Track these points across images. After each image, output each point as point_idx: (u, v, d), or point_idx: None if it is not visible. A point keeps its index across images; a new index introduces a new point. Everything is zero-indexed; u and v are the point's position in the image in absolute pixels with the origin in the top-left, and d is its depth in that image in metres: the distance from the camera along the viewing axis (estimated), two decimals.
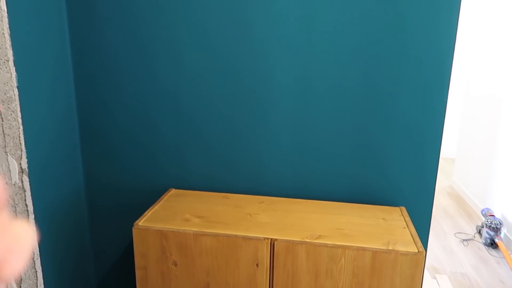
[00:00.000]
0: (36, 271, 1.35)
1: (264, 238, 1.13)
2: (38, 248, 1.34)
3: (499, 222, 2.92)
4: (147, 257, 1.21)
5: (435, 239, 3.19)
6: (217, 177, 1.47)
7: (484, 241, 3.01)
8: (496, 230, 2.91)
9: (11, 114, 1.21)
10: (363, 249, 1.09)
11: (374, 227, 1.21)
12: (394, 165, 1.35)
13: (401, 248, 1.08)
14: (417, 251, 1.07)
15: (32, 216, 1.30)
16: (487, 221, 2.97)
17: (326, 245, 1.11)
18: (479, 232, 3.16)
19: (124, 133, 1.49)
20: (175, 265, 1.20)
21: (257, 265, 1.15)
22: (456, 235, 3.21)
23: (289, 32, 1.30)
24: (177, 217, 1.25)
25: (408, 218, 1.27)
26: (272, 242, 1.13)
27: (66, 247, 1.49)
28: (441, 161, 5.38)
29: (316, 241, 1.11)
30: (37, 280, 1.36)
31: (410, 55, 1.25)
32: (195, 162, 1.47)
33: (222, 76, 1.37)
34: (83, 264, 1.62)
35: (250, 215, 1.28)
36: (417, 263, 1.07)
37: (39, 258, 1.34)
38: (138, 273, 1.23)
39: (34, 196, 1.31)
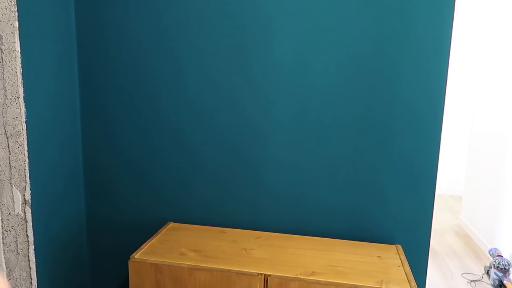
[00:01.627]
0: None
1: (258, 274, 1.14)
2: (36, 279, 1.36)
3: (507, 263, 2.85)
4: None
5: (442, 279, 3.11)
6: (215, 211, 1.50)
7: (492, 282, 2.93)
8: (505, 271, 2.84)
9: (18, 147, 1.27)
10: (356, 287, 1.09)
11: (368, 265, 1.21)
12: (390, 202, 1.37)
13: (394, 287, 1.08)
14: None
15: (32, 246, 1.33)
16: (495, 262, 2.90)
17: (319, 283, 1.11)
18: (487, 273, 3.09)
19: (126, 166, 1.54)
20: None
21: None
22: (463, 275, 3.13)
23: (288, 69, 1.35)
24: (173, 251, 1.27)
25: (403, 257, 1.27)
26: (266, 278, 1.14)
27: (64, 277, 1.51)
28: (449, 199, 5.31)
29: (310, 278, 1.12)
30: None
31: (404, 96, 1.30)
32: (194, 196, 1.50)
33: (224, 112, 1.42)
34: None
35: (246, 250, 1.29)
36: None
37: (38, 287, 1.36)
38: None
39: (36, 226, 1.34)
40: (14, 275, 1.34)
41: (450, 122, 5.25)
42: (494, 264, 2.89)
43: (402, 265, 1.22)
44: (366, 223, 1.39)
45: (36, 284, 1.36)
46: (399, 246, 1.35)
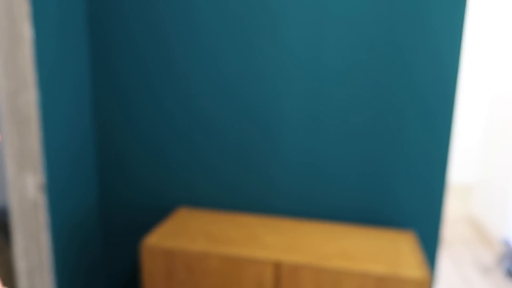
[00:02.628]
0: (49, 283, 1.38)
1: (269, 261, 1.14)
2: (50, 262, 1.38)
3: None
4: (154, 275, 1.23)
5: (453, 269, 3.09)
6: (227, 197, 1.50)
7: (504, 272, 2.90)
8: None
9: (31, 132, 1.28)
10: (368, 274, 1.08)
11: (380, 251, 1.20)
12: (402, 188, 1.35)
13: (406, 273, 1.07)
14: (422, 277, 1.06)
15: (46, 230, 1.35)
16: (508, 251, 2.87)
17: (330, 269, 1.10)
18: (500, 263, 3.06)
19: (140, 153, 1.54)
20: (181, 284, 1.21)
21: (260, 286, 1.16)
22: (475, 265, 3.11)
23: (298, 62, 1.34)
24: (185, 237, 1.27)
25: (415, 242, 1.26)
26: (277, 265, 1.14)
27: (78, 260, 1.53)
28: (460, 189, 5.26)
29: (320, 264, 1.11)
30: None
31: (416, 81, 1.27)
32: (206, 182, 1.50)
33: (232, 104, 1.41)
34: (95, 277, 1.65)
35: (257, 236, 1.29)
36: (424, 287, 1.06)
37: (51, 272, 1.38)
38: None
39: (49, 210, 1.35)
40: (29, 259, 1.36)
41: (465, 111, 5.16)
42: (507, 254, 2.86)
43: (414, 251, 1.20)
44: (378, 209, 1.38)
45: (51, 267, 1.38)
46: (411, 231, 1.34)
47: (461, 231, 3.84)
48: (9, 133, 1.28)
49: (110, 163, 1.58)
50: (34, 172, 1.31)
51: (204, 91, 1.43)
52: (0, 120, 1.27)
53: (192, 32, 1.40)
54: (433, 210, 1.34)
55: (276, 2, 1.32)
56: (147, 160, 1.54)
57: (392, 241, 1.27)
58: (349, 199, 1.40)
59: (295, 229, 1.36)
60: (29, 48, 1.23)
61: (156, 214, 1.58)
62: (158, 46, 1.44)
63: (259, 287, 1.16)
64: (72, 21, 1.41)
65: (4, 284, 1.61)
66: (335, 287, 1.10)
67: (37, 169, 1.31)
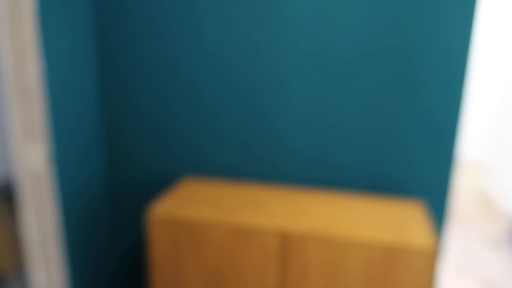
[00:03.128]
0: (57, 255, 1.40)
1: (275, 231, 1.14)
2: (59, 235, 1.39)
3: None
4: (160, 245, 1.24)
5: (461, 242, 3.09)
6: (234, 163, 1.49)
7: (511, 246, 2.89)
8: None
9: (37, 105, 1.27)
10: (375, 244, 1.07)
11: (388, 220, 1.19)
12: (413, 155, 1.33)
13: (414, 243, 1.06)
14: (430, 246, 1.05)
15: (54, 203, 1.36)
16: None
17: (337, 240, 1.10)
18: (507, 237, 3.05)
19: (145, 122, 1.53)
20: (186, 251, 1.22)
21: (267, 255, 1.16)
22: (483, 239, 3.10)
23: (308, 9, 1.30)
24: (191, 206, 1.28)
25: (424, 212, 1.24)
26: (284, 235, 1.14)
27: (86, 232, 1.55)
28: (472, 166, 5.21)
29: (328, 235, 1.11)
30: (57, 263, 1.41)
31: (434, 39, 1.23)
32: (212, 149, 1.49)
33: (239, 61, 1.38)
34: (105, 248, 1.68)
35: (263, 205, 1.29)
36: (430, 258, 1.05)
37: (60, 242, 1.40)
38: (152, 260, 1.26)
39: (59, 182, 1.36)
40: (38, 231, 1.38)
41: (480, 90, 5.06)
42: None
43: (423, 221, 1.19)
44: (388, 174, 1.37)
45: (60, 240, 1.40)
46: (420, 200, 1.33)
47: (471, 207, 3.82)
48: (15, 104, 1.28)
49: (118, 134, 1.58)
50: (41, 143, 1.31)
51: (212, 46, 1.41)
52: (5, 92, 1.26)
53: (195, 22, 1.37)
54: (443, 180, 1.32)
55: None
56: (154, 128, 1.53)
57: (400, 209, 1.26)
58: (359, 165, 1.38)
59: (303, 198, 1.35)
60: (32, 20, 1.21)
61: (163, 186, 1.58)
62: (161, 35, 1.41)
63: (265, 256, 1.16)
64: None
65: (11, 256, 1.64)
66: (342, 257, 1.10)
67: (43, 140, 1.31)
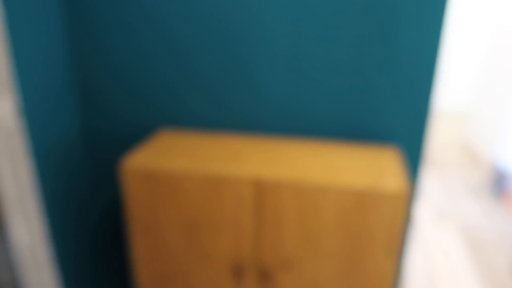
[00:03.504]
0: (36, 208, 1.41)
1: (249, 179, 1.14)
2: (35, 192, 1.39)
3: (510, 174, 2.86)
4: (135, 196, 1.24)
5: (442, 189, 3.16)
6: (211, 114, 1.47)
7: (491, 194, 2.97)
8: (506, 183, 2.86)
9: (1, 57, 1.22)
10: (348, 189, 1.08)
11: (362, 165, 1.19)
12: (388, 102, 1.31)
13: (386, 188, 1.07)
14: (402, 191, 1.06)
15: (28, 156, 1.34)
16: (497, 174, 2.91)
17: (310, 186, 1.10)
18: (488, 185, 3.12)
19: (120, 71, 1.49)
20: (161, 202, 1.23)
21: (241, 202, 1.17)
22: (464, 186, 3.18)
23: None
24: (165, 157, 1.27)
25: (398, 158, 1.25)
26: (258, 183, 1.14)
27: (65, 185, 1.54)
28: (455, 116, 5.24)
29: (301, 182, 1.11)
30: (38, 217, 1.42)
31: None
32: (189, 99, 1.47)
33: (215, 5, 1.33)
34: (83, 200, 1.68)
35: (238, 155, 1.28)
36: (399, 202, 1.06)
37: (38, 195, 1.40)
38: (128, 210, 1.27)
39: (30, 136, 1.33)
40: (15, 188, 1.37)
41: (465, 39, 4.98)
42: (497, 176, 2.91)
43: (396, 164, 1.20)
44: (364, 121, 1.36)
45: (38, 194, 1.40)
46: (396, 147, 1.33)
47: (452, 155, 3.88)
48: None
49: (91, 85, 1.54)
50: (8, 95, 1.27)
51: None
52: None
53: None
54: (418, 127, 1.32)
55: None
56: (130, 78, 1.49)
57: (374, 156, 1.26)
58: (335, 113, 1.37)
59: (279, 146, 1.34)
60: None
61: (140, 139, 1.56)
62: None
63: (239, 205, 1.17)
64: None
65: None
66: (316, 202, 1.11)
67: (10, 93, 1.26)
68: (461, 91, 5.22)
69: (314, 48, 1.30)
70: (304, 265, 1.19)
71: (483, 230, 2.62)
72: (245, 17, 1.31)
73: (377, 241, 1.12)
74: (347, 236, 1.13)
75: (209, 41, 1.36)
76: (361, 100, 1.33)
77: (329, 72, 1.31)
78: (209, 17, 1.33)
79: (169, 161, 1.24)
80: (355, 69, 1.29)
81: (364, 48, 1.26)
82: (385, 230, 1.10)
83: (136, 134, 1.56)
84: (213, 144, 1.38)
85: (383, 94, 1.30)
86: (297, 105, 1.38)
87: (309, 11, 1.26)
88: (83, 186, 1.66)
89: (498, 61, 3.56)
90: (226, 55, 1.37)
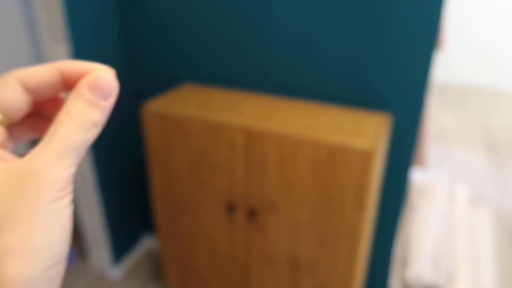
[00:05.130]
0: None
1: (240, 126, 1.30)
2: None
3: None
4: (152, 134, 1.48)
5: (495, 174, 3.01)
6: (229, 72, 1.64)
7: None
8: None
9: (57, 11, 1.50)
10: (322, 142, 1.20)
11: (346, 128, 1.29)
12: (387, 72, 1.37)
13: (355, 145, 1.17)
14: (368, 149, 1.15)
15: None
16: None
17: (290, 137, 1.24)
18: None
19: (158, 29, 1.71)
20: (172, 141, 1.45)
21: (233, 147, 1.34)
22: None
23: None
24: (179, 104, 1.48)
25: (384, 120, 1.32)
26: (247, 129, 1.30)
27: (109, 118, 1.85)
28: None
29: (282, 132, 1.25)
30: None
31: None
32: (212, 58, 1.65)
33: None
34: (124, 129, 1.99)
35: (241, 108, 1.44)
36: (367, 159, 1.16)
37: None
38: (147, 147, 1.52)
39: None
40: None
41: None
42: None
43: (378, 129, 1.27)
44: (364, 90, 1.43)
45: None
46: (388, 114, 1.39)
47: None
48: (42, 10, 1.52)
49: (132, 42, 1.79)
50: (62, 44, 1.56)
51: None
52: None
53: None
54: (415, 97, 1.36)
55: None
56: (166, 36, 1.71)
57: (363, 120, 1.35)
58: (337, 78, 1.46)
59: (278, 104, 1.48)
60: None
61: (171, 86, 1.80)
62: None
63: (231, 147, 1.35)
64: None
65: None
66: (294, 151, 1.25)
67: (64, 41, 1.55)
68: None
69: (317, 24, 1.38)
70: (283, 208, 1.35)
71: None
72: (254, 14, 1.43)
73: (346, 194, 1.23)
74: (319, 186, 1.26)
75: (234, 7, 1.51)
76: (362, 68, 1.40)
77: (330, 43, 1.40)
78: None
79: (181, 107, 1.45)
80: (355, 42, 1.36)
81: (361, 26, 1.32)
82: (353, 184, 1.21)
83: (167, 84, 1.79)
84: (222, 97, 1.56)
85: (383, 65, 1.36)
86: (303, 67, 1.49)
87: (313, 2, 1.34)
88: (124, 126, 1.95)
89: None
90: (243, 20, 1.51)
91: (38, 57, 1.92)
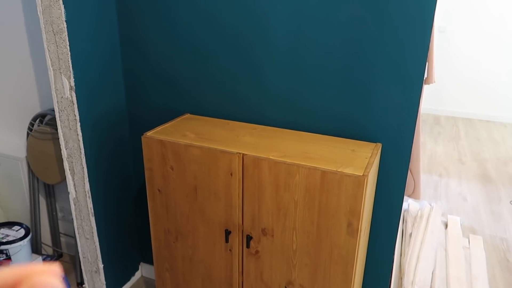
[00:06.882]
0: (83, 168, 1.76)
1: (237, 153, 1.36)
2: (84, 149, 1.74)
3: None
4: (152, 161, 1.53)
5: (487, 203, 3.06)
6: (224, 107, 1.71)
7: None
8: None
9: (62, 42, 1.58)
10: (315, 168, 1.25)
11: (338, 155, 1.34)
12: (377, 104, 1.44)
13: (348, 171, 1.22)
14: (361, 174, 1.20)
15: (79, 123, 1.70)
16: None
17: (284, 163, 1.29)
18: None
19: (156, 66, 1.79)
20: (172, 169, 1.50)
21: (231, 174, 1.39)
22: (511, 202, 3.04)
23: None
24: (178, 133, 1.53)
25: (376, 151, 1.37)
26: (243, 157, 1.35)
27: (107, 147, 1.89)
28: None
29: (277, 158, 1.30)
30: (83, 174, 1.78)
31: (392, 13, 1.30)
32: (208, 93, 1.72)
33: (230, 7, 1.56)
34: (123, 159, 2.03)
35: (238, 137, 1.50)
36: (359, 184, 1.20)
37: (84, 157, 1.75)
38: (146, 173, 1.56)
39: (81, 108, 1.69)
40: (69, 146, 1.74)
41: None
42: None
43: (370, 157, 1.33)
44: (355, 122, 1.50)
45: (84, 151, 1.75)
46: (379, 144, 1.45)
47: (510, 171, 3.67)
48: (48, 43, 1.60)
49: (134, 76, 1.86)
50: (67, 75, 1.63)
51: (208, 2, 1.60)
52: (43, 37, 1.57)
53: None
54: (406, 125, 1.43)
55: None
56: (164, 76, 1.79)
57: (355, 149, 1.40)
58: (330, 111, 1.52)
59: (274, 135, 1.54)
60: None
61: (170, 118, 1.86)
62: None
63: (228, 174, 1.39)
64: None
65: (58, 165, 2.05)
66: (288, 178, 1.30)
67: (69, 73, 1.62)
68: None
69: (312, 54, 1.47)
70: (277, 233, 1.38)
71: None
72: (254, 24, 1.52)
73: (340, 219, 1.27)
74: (313, 211, 1.30)
75: (225, 47, 1.60)
76: (354, 102, 1.47)
77: (325, 76, 1.48)
78: (224, 27, 1.57)
79: (179, 135, 1.50)
80: (348, 74, 1.44)
81: (359, 56, 1.41)
82: (346, 209, 1.25)
83: (166, 117, 1.86)
84: (220, 127, 1.62)
85: (374, 98, 1.43)
86: (295, 101, 1.56)
87: (308, 21, 1.44)
88: (122, 145, 2.00)
89: None
90: (238, 57, 1.59)
91: (47, 88, 1.99)
